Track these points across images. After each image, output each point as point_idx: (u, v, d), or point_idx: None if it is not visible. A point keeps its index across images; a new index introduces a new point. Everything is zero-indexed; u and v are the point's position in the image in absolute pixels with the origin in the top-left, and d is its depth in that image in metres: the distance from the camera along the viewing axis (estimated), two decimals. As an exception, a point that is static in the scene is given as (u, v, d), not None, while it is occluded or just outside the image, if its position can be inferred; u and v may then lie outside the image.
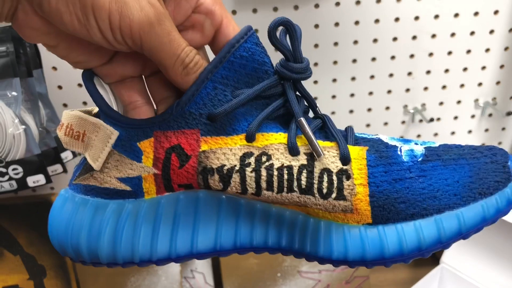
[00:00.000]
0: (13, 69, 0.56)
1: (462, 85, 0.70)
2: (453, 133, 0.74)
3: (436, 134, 0.74)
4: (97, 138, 0.25)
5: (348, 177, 0.25)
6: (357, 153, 0.26)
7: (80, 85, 0.65)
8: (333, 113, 0.69)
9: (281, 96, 0.27)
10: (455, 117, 0.72)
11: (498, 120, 0.73)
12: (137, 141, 0.25)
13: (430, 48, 0.67)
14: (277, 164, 0.25)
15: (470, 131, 0.74)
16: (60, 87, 0.65)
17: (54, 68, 0.64)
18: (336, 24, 0.64)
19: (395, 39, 0.65)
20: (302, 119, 0.26)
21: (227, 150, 0.25)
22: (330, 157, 0.26)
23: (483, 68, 0.68)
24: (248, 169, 0.25)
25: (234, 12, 0.61)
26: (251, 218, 0.27)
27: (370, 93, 0.69)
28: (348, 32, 0.64)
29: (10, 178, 0.58)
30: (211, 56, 0.27)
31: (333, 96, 0.68)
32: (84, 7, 0.21)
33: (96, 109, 0.28)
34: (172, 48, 0.23)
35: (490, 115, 0.73)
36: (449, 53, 0.67)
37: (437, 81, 0.69)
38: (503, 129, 0.74)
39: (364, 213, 0.25)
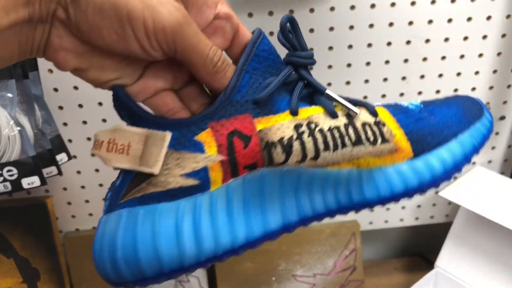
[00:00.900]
0: (9, 71, 0.56)
1: (455, 90, 0.71)
2: (447, 137, 0.74)
3: (430, 139, 0.74)
4: (148, 145, 0.25)
5: (384, 124, 0.31)
6: (380, 109, 0.32)
7: (75, 87, 0.65)
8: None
9: (299, 81, 0.30)
10: (449, 122, 0.73)
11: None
12: (193, 135, 0.26)
13: (424, 53, 0.67)
14: (326, 127, 0.29)
15: (464, 136, 0.74)
16: (56, 90, 0.65)
17: (50, 71, 0.64)
18: (331, 29, 0.64)
19: (389, 43, 0.66)
20: (329, 92, 0.30)
21: (280, 125, 0.28)
22: (363, 114, 0.31)
23: (477, 73, 0.69)
24: (304, 136, 0.28)
25: (229, 16, 0.61)
26: (309, 187, 0.29)
27: (365, 97, 0.69)
28: (343, 37, 0.65)
29: (5, 180, 0.57)
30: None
31: (328, 100, 0.68)
32: (120, 19, 0.23)
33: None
34: (201, 47, 0.25)
35: (483, 119, 0.73)
36: (443, 58, 0.68)
37: (431, 85, 0.70)
38: (497, 133, 0.74)
39: (406, 150, 0.31)
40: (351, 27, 0.64)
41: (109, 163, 0.25)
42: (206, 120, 0.26)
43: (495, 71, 0.69)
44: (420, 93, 0.70)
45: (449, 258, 0.78)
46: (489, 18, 0.65)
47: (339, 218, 0.80)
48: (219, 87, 0.27)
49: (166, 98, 0.28)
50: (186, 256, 0.25)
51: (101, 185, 0.73)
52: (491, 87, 0.70)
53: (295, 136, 0.28)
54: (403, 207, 0.80)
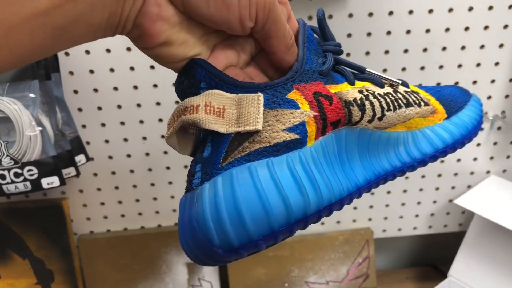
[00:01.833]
0: (33, 71, 0.57)
1: (471, 98, 0.71)
2: (462, 145, 0.74)
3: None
4: (242, 107, 0.26)
5: (417, 92, 0.36)
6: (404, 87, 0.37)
7: (95, 90, 0.66)
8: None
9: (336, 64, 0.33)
10: (464, 130, 0.73)
11: (506, 134, 0.74)
12: (286, 92, 0.27)
13: (441, 61, 0.68)
14: (382, 93, 0.33)
15: (478, 144, 0.74)
16: (76, 92, 0.66)
17: (71, 73, 0.65)
18: (349, 35, 0.65)
19: (406, 51, 0.67)
20: (369, 70, 0.34)
21: (346, 91, 0.31)
22: (400, 85, 0.36)
23: (492, 81, 0.69)
24: (371, 97, 0.32)
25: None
26: (377, 147, 0.33)
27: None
28: (360, 43, 0.66)
29: (25, 179, 0.58)
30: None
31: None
32: None
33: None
34: (283, 21, 0.28)
35: (499, 128, 0.73)
36: (459, 66, 0.68)
37: (446, 93, 0.70)
38: (511, 143, 0.74)
39: (441, 111, 0.37)
40: (369, 34, 0.65)
41: (208, 125, 0.25)
42: (290, 83, 0.28)
43: (511, 80, 0.69)
44: (436, 100, 0.70)
45: (462, 267, 0.78)
46: (506, 26, 0.65)
47: (352, 225, 0.80)
48: (291, 59, 0.29)
49: (235, 71, 0.29)
50: (310, 204, 0.25)
51: (117, 187, 0.73)
52: (507, 96, 0.70)
53: (364, 97, 0.31)
54: (417, 215, 0.80)
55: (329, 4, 0.63)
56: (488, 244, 0.76)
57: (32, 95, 0.57)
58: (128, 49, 0.64)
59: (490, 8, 0.64)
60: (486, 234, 0.76)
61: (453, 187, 0.78)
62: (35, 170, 0.58)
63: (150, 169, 0.72)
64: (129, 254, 0.75)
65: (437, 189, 0.78)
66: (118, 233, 0.76)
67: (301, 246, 0.77)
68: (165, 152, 0.71)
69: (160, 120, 0.69)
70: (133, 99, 0.67)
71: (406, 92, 0.35)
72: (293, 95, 0.27)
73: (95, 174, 0.72)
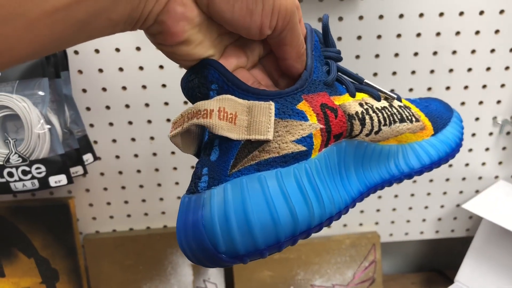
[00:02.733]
0: (43, 69, 0.57)
1: (480, 102, 0.70)
2: (470, 150, 0.74)
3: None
4: (253, 115, 0.26)
5: (409, 108, 0.37)
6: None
7: (104, 89, 0.66)
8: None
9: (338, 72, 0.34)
10: (473, 134, 0.73)
11: (516, 139, 0.73)
12: (295, 103, 0.27)
13: (451, 65, 0.67)
14: (379, 107, 0.34)
15: (487, 149, 0.74)
16: (84, 91, 0.66)
17: (80, 72, 0.65)
18: (359, 38, 0.65)
19: (416, 54, 0.66)
20: (366, 80, 0.35)
21: (348, 104, 0.31)
22: (394, 99, 0.36)
23: (502, 85, 0.69)
24: (370, 111, 0.32)
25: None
26: (370, 159, 0.34)
27: (390, 107, 0.70)
28: (370, 46, 0.65)
29: (33, 177, 0.58)
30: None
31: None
32: None
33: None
34: (299, 30, 0.28)
35: (508, 133, 0.73)
36: (469, 70, 0.68)
37: (456, 97, 0.70)
38: (520, 148, 0.74)
39: (429, 128, 0.38)
40: (379, 37, 0.65)
41: (221, 132, 0.25)
42: (299, 93, 0.28)
43: (521, 85, 0.69)
44: (445, 104, 0.70)
45: (469, 273, 0.77)
46: (516, 31, 0.65)
47: (359, 228, 0.79)
48: (300, 67, 0.29)
49: (244, 73, 0.29)
50: (314, 216, 0.26)
51: (123, 187, 0.73)
52: (516, 101, 0.70)
53: (364, 111, 0.32)
54: (424, 220, 0.79)
55: (340, 7, 0.63)
56: (495, 249, 0.75)
57: (41, 93, 0.57)
58: (138, 48, 0.64)
59: (502, 12, 0.64)
60: (494, 239, 0.75)
61: (461, 192, 0.77)
62: (43, 168, 0.58)
63: (157, 169, 0.72)
64: (135, 255, 0.75)
65: (444, 193, 0.77)
66: (123, 233, 0.75)
67: (307, 249, 0.77)
68: (173, 153, 0.71)
69: (168, 120, 0.69)
70: (142, 98, 0.67)
71: (400, 107, 0.36)
72: (302, 106, 0.28)
73: (102, 174, 0.72)
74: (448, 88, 0.69)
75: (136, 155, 0.71)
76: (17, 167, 0.57)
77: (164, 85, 0.67)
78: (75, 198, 0.73)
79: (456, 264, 0.78)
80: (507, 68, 0.68)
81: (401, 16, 0.64)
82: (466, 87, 0.69)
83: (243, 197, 0.24)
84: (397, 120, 0.35)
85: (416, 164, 0.37)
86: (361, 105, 0.32)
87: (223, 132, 0.25)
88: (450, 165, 0.75)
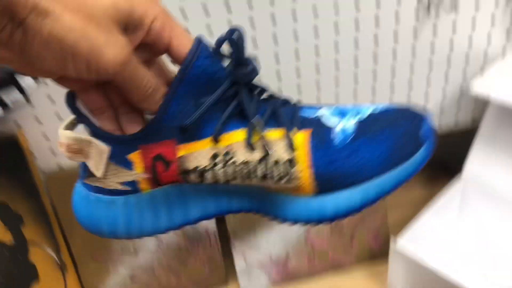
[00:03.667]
0: None
1: None
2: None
3: None
4: (93, 152, 0.29)
5: (294, 165, 0.31)
6: (302, 140, 0.32)
7: None
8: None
9: (235, 97, 0.31)
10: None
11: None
12: (126, 154, 0.30)
13: None
14: (239, 160, 0.31)
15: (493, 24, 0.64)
16: None
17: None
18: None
19: None
20: (254, 121, 0.31)
21: (199, 153, 0.31)
22: (279, 150, 0.31)
23: None
24: (217, 168, 0.31)
25: None
26: (221, 195, 0.34)
27: None
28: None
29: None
30: None
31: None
32: (65, 57, 0.24)
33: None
34: (138, 81, 0.27)
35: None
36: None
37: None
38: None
39: (308, 188, 0.32)
40: None
41: (70, 159, 0.29)
42: (137, 142, 0.30)
43: None
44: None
45: (478, 163, 0.70)
46: None
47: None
48: (152, 107, 0.29)
49: (93, 95, 0.29)
50: (121, 236, 0.33)
51: (79, 112, 0.63)
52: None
53: (208, 167, 0.31)
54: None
55: None
56: (505, 135, 0.68)
57: None
58: None
59: None
60: (504, 122, 0.67)
61: (464, 74, 0.69)
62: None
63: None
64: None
65: (446, 78, 0.69)
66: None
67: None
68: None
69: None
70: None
71: (276, 162, 0.32)
72: (134, 156, 0.30)
73: (51, 100, 0.62)
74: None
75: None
76: None
77: None
78: (24, 130, 0.63)
79: (461, 159, 0.71)
80: None
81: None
82: None
83: (80, 205, 0.32)
84: (255, 178, 0.32)
85: (273, 213, 0.34)
86: (214, 156, 0.31)
87: (71, 159, 0.30)
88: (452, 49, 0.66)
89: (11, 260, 0.61)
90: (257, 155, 0.31)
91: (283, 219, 0.34)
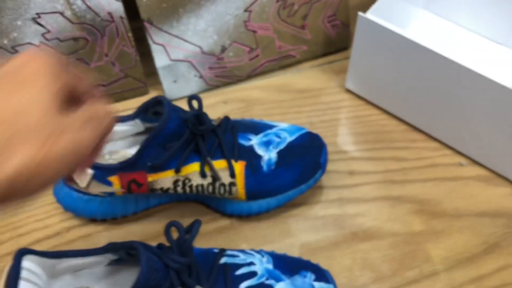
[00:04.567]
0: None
1: None
2: None
3: None
4: (81, 174, 0.42)
5: (234, 185, 0.45)
6: (239, 170, 0.45)
7: None
8: None
9: (192, 141, 0.44)
10: None
11: None
12: (107, 176, 0.42)
13: None
14: (194, 184, 0.45)
15: None
16: None
17: None
18: None
19: None
20: (208, 159, 0.44)
21: (164, 180, 0.44)
22: (224, 177, 0.45)
23: None
24: (178, 188, 0.45)
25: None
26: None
27: None
28: None
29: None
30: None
31: None
32: None
33: None
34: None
35: None
36: None
37: None
38: None
39: (242, 197, 0.47)
40: None
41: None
42: (116, 170, 0.42)
43: None
44: None
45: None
46: None
47: None
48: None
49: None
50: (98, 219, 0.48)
51: None
52: None
53: (171, 189, 0.44)
54: None
55: None
56: None
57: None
58: None
59: None
60: None
61: None
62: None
63: None
64: None
65: None
66: None
67: None
68: None
69: None
70: None
71: (221, 185, 0.45)
72: (113, 178, 0.42)
73: None
74: None
75: None
76: None
77: None
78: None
79: None
80: None
81: None
82: None
83: (63, 199, 0.46)
84: (206, 193, 0.46)
85: (216, 207, 0.50)
86: (175, 182, 0.44)
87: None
88: None
89: None
90: (208, 180, 0.45)
91: (222, 212, 0.48)
